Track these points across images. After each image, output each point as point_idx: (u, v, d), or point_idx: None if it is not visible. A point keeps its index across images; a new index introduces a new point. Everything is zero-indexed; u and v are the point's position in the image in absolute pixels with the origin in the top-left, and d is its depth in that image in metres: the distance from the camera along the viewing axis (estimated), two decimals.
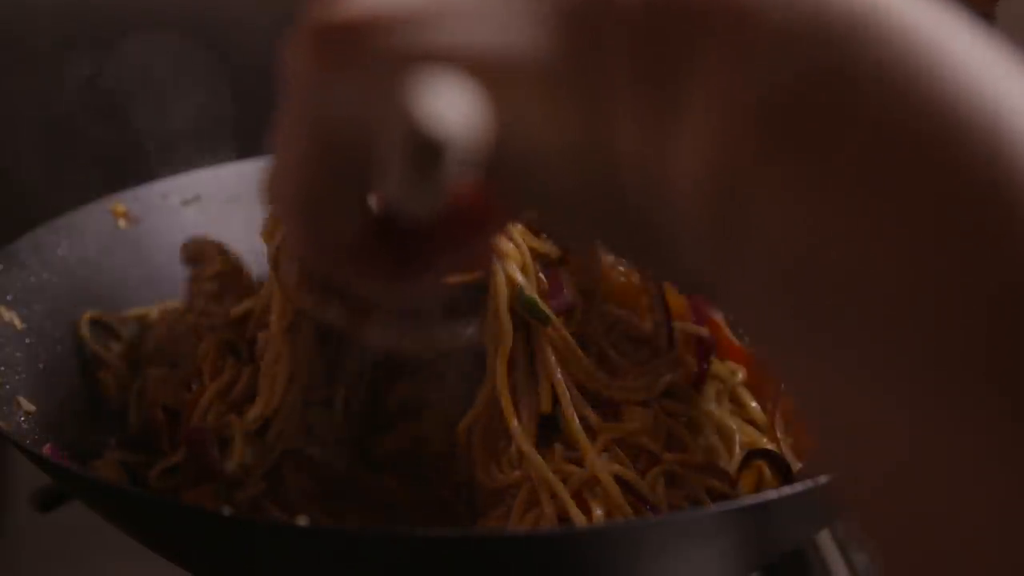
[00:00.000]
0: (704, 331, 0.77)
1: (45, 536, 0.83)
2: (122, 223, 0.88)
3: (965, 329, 0.30)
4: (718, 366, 0.78)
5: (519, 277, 0.67)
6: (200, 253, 0.84)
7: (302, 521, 0.69)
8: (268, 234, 0.71)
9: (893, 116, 0.31)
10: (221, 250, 0.83)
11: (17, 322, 0.78)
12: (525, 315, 0.67)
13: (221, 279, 0.82)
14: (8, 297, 0.78)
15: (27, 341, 0.78)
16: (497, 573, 0.62)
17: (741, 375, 0.78)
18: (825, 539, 0.83)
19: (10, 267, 0.80)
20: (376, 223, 0.43)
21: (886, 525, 0.32)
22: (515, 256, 0.68)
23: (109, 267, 0.85)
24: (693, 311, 0.81)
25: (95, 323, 0.82)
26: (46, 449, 0.71)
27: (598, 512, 0.64)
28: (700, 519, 0.62)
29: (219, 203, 0.91)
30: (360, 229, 0.42)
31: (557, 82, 0.37)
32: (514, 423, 0.67)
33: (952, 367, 0.30)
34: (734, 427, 0.74)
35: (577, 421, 0.68)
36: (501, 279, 0.67)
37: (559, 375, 0.68)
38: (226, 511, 0.69)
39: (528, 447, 0.67)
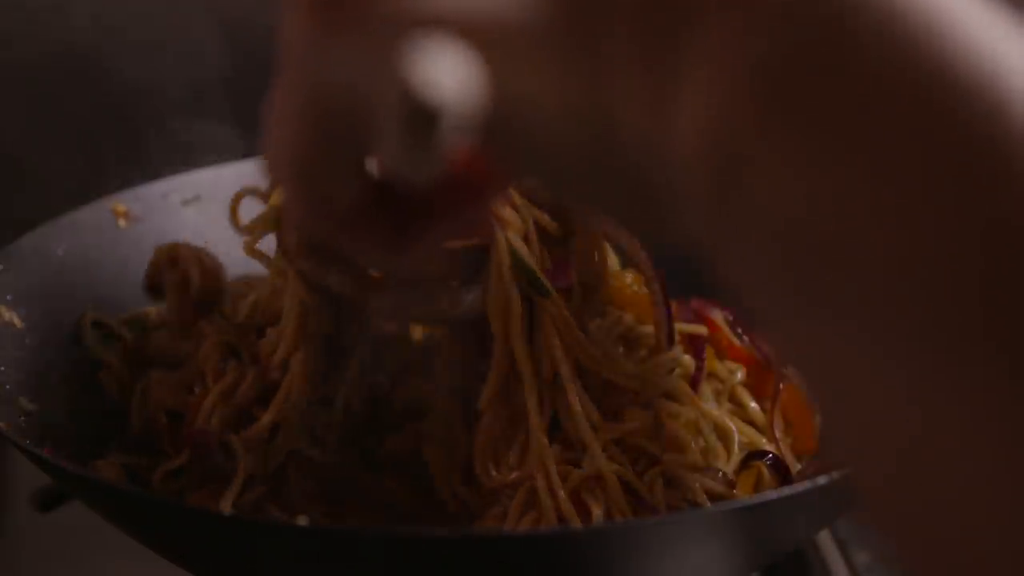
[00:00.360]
0: (701, 329, 0.77)
1: (45, 536, 0.83)
2: (122, 223, 0.88)
3: (964, 290, 0.30)
4: (717, 366, 0.78)
5: (519, 245, 0.67)
6: (174, 260, 0.84)
7: (302, 521, 0.69)
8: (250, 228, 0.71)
9: (892, 74, 0.31)
10: (198, 259, 0.83)
11: (17, 322, 0.78)
12: (524, 285, 0.67)
13: (204, 293, 0.82)
14: (8, 297, 0.78)
15: (27, 341, 0.78)
16: (497, 573, 0.62)
17: (740, 375, 0.78)
18: (825, 539, 0.83)
19: (10, 267, 0.80)
20: (374, 189, 0.42)
21: (900, 512, 0.32)
22: (516, 224, 0.67)
23: (109, 267, 0.85)
24: (692, 312, 0.81)
25: (96, 324, 0.82)
26: (46, 450, 0.71)
27: (597, 512, 0.64)
28: (700, 519, 0.63)
29: (219, 203, 0.90)
30: (358, 195, 0.42)
31: (556, 46, 0.37)
32: (532, 401, 0.66)
33: (950, 329, 0.30)
34: (733, 428, 0.74)
35: (578, 402, 0.67)
36: (503, 246, 0.66)
37: (559, 352, 0.67)
38: (226, 511, 0.69)
39: (536, 421, 0.66)
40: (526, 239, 0.67)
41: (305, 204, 0.43)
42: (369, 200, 0.42)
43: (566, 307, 0.68)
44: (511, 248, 0.66)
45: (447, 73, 0.35)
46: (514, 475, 0.66)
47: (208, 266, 0.83)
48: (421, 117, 0.35)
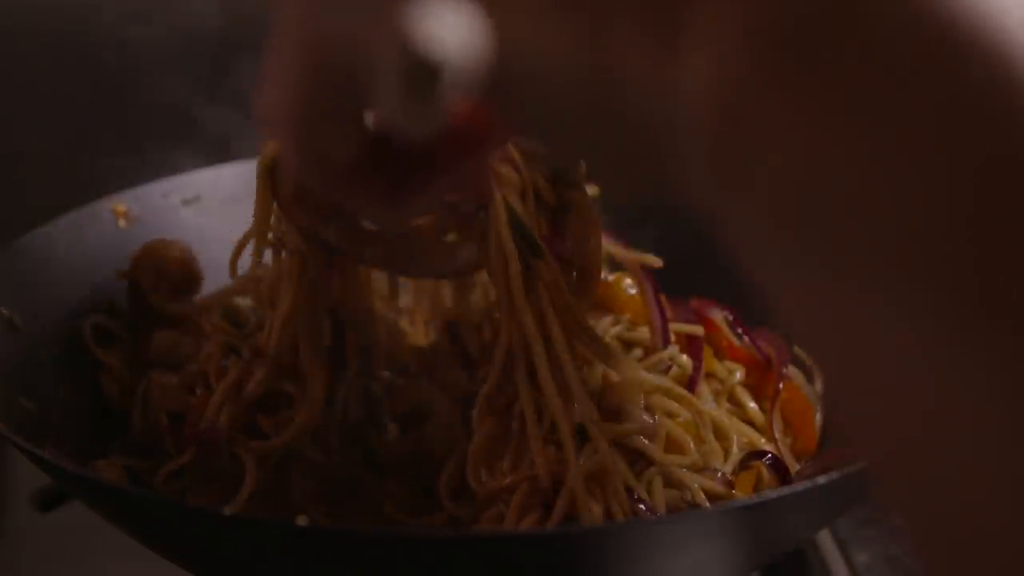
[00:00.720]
0: (698, 330, 0.77)
1: (45, 536, 0.83)
2: (122, 223, 0.88)
3: (969, 249, 0.29)
4: (716, 366, 0.78)
5: (515, 202, 0.66)
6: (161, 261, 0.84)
7: (302, 521, 0.69)
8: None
9: (896, 26, 0.31)
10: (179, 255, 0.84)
11: (17, 322, 0.78)
12: (519, 241, 0.66)
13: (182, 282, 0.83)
14: (8, 297, 0.78)
15: (27, 341, 0.78)
16: (497, 573, 0.62)
17: (739, 375, 0.78)
18: (825, 539, 0.83)
19: (10, 267, 0.80)
20: (372, 142, 0.42)
21: (909, 485, 0.31)
22: (514, 181, 0.67)
23: (109, 267, 0.85)
24: (692, 312, 0.81)
25: (97, 326, 0.82)
26: (46, 450, 0.71)
27: (596, 511, 0.64)
28: (700, 519, 0.63)
29: (219, 203, 0.90)
30: (355, 148, 0.42)
31: (560, 2, 0.36)
32: (539, 349, 0.66)
33: (962, 288, 0.30)
34: (732, 428, 0.74)
35: (571, 364, 0.66)
36: (500, 201, 0.66)
37: (551, 316, 0.66)
38: (227, 511, 0.69)
39: (552, 389, 0.66)
40: (523, 197, 0.66)
41: (302, 157, 0.42)
42: (367, 153, 0.42)
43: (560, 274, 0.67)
44: (508, 205, 0.66)
45: (449, 28, 0.35)
46: (508, 480, 0.66)
47: (177, 256, 0.84)
48: (421, 73, 0.34)
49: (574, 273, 0.68)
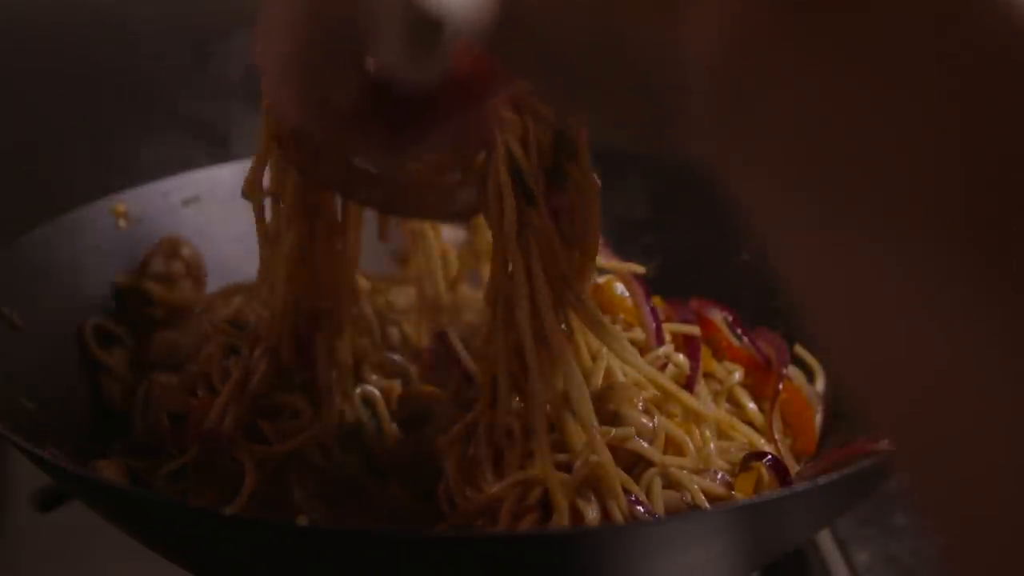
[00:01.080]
0: (694, 330, 0.77)
1: (45, 536, 0.83)
2: (122, 223, 0.88)
3: (982, 201, 0.29)
4: (715, 367, 0.78)
5: (516, 148, 0.65)
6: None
7: (302, 521, 0.69)
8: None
9: None
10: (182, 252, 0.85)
11: (17, 322, 0.78)
12: (514, 186, 0.65)
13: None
14: (8, 297, 0.78)
15: (27, 341, 0.78)
16: (497, 573, 0.62)
17: (738, 376, 0.78)
18: (825, 539, 0.83)
19: (10, 267, 0.80)
20: (372, 88, 0.42)
21: (918, 447, 0.31)
22: (516, 126, 0.65)
23: (109, 267, 0.85)
24: (692, 312, 0.81)
25: (98, 328, 0.83)
26: (46, 450, 0.71)
27: (591, 516, 0.64)
28: (700, 520, 0.63)
29: (219, 203, 0.90)
30: (356, 94, 0.42)
31: None
32: (524, 304, 0.65)
33: (961, 239, 0.29)
34: (732, 428, 0.74)
35: (556, 327, 0.66)
36: (501, 145, 0.64)
37: (538, 270, 0.66)
38: (227, 511, 0.69)
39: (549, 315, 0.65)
40: (525, 146, 0.65)
41: (302, 101, 0.42)
42: (367, 99, 0.42)
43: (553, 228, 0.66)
44: (508, 150, 0.65)
45: None
46: (494, 489, 0.66)
47: (188, 251, 0.85)
48: (424, 23, 0.34)
49: (577, 254, 0.67)
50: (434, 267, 0.81)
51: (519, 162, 0.64)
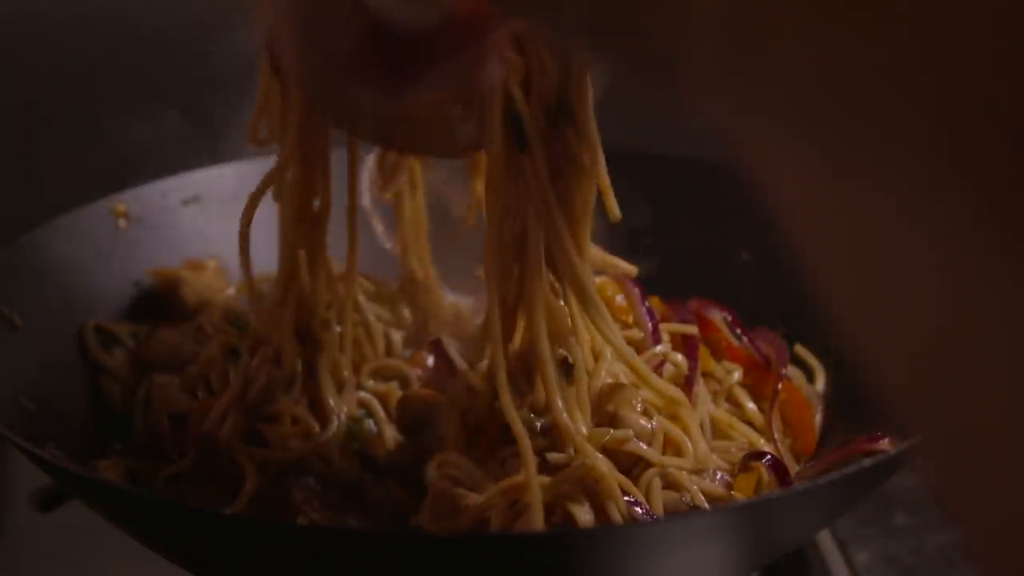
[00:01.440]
0: (692, 329, 0.77)
1: (45, 536, 0.83)
2: (122, 223, 0.88)
3: (992, 142, 0.29)
4: (714, 366, 0.78)
5: (515, 90, 0.63)
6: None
7: (302, 522, 0.69)
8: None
9: None
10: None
11: (17, 322, 0.78)
12: (510, 129, 0.64)
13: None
14: (8, 297, 0.78)
15: (27, 341, 0.78)
16: (497, 573, 0.62)
17: (737, 375, 0.78)
18: (825, 539, 0.83)
19: (10, 267, 0.80)
20: (370, 32, 0.42)
21: (922, 397, 0.31)
22: (518, 68, 0.63)
23: (109, 267, 0.85)
24: (691, 312, 0.81)
25: (98, 329, 0.83)
26: (46, 450, 0.71)
27: (586, 518, 0.64)
28: (700, 521, 0.62)
29: (219, 203, 0.91)
30: (354, 38, 0.41)
31: None
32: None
33: (967, 181, 0.29)
34: (731, 428, 0.74)
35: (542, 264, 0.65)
36: (500, 87, 0.63)
37: (530, 213, 0.65)
38: (226, 511, 0.69)
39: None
40: (526, 89, 0.63)
41: (301, 46, 0.41)
42: (365, 43, 0.41)
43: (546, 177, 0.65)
44: (507, 91, 0.63)
45: None
46: (482, 499, 0.66)
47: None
48: None
49: (578, 202, 0.66)
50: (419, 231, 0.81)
51: (517, 105, 0.63)
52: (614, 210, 0.67)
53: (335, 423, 0.73)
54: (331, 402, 0.74)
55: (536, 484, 0.64)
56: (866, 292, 0.32)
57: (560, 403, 0.66)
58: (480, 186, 0.74)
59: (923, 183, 0.30)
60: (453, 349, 0.74)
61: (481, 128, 0.64)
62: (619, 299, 0.77)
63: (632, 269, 0.77)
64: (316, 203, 0.73)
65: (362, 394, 0.76)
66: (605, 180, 0.66)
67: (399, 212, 0.82)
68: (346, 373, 0.75)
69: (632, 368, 0.69)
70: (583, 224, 0.66)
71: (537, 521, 0.63)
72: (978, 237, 0.29)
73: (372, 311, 0.82)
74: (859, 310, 0.32)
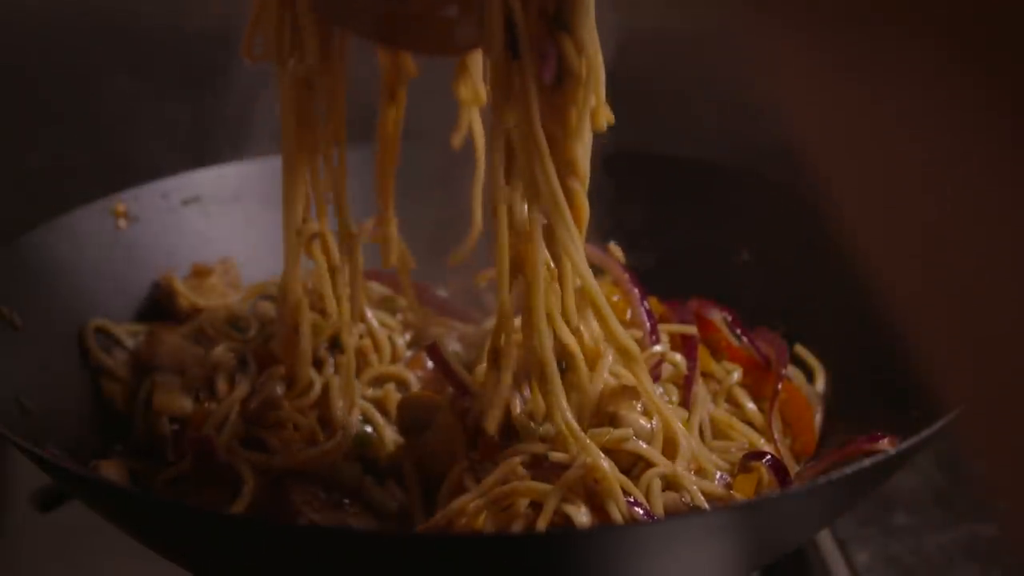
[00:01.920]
0: (691, 329, 0.77)
1: (45, 536, 0.83)
2: (122, 223, 0.88)
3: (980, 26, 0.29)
4: (714, 366, 0.78)
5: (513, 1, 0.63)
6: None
7: (302, 522, 0.69)
8: None
9: None
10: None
11: (17, 322, 0.78)
12: (506, 34, 0.63)
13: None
14: (8, 297, 0.78)
15: (27, 341, 0.78)
16: (497, 573, 0.62)
17: (737, 376, 0.78)
18: (825, 539, 0.83)
19: (10, 267, 0.80)
20: None
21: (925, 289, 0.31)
22: None
23: (109, 266, 0.85)
24: (691, 312, 0.81)
25: (99, 330, 0.83)
26: (46, 450, 0.71)
27: (583, 520, 0.64)
28: (700, 521, 0.62)
29: (219, 203, 0.91)
30: None
31: None
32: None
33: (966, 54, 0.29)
34: (731, 429, 0.74)
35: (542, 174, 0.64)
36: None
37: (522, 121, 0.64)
38: (226, 511, 0.69)
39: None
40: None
41: None
42: None
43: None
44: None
45: None
46: (472, 505, 0.66)
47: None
48: None
49: (572, 114, 0.65)
50: None
51: (514, 13, 0.62)
52: (608, 116, 0.66)
53: (340, 435, 0.73)
54: (339, 416, 0.74)
55: (528, 487, 0.64)
56: (869, 179, 0.32)
57: (564, 403, 0.66)
58: (463, 89, 0.74)
59: (923, 72, 0.30)
60: (450, 353, 0.74)
61: (479, 29, 0.64)
62: (615, 299, 0.77)
63: (617, 252, 0.77)
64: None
65: (361, 403, 0.76)
66: (602, 93, 0.65)
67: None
68: (357, 393, 0.75)
69: (603, 323, 0.68)
70: (577, 138, 0.65)
71: (519, 522, 0.63)
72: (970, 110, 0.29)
73: (377, 318, 0.82)
74: (862, 201, 0.32)
